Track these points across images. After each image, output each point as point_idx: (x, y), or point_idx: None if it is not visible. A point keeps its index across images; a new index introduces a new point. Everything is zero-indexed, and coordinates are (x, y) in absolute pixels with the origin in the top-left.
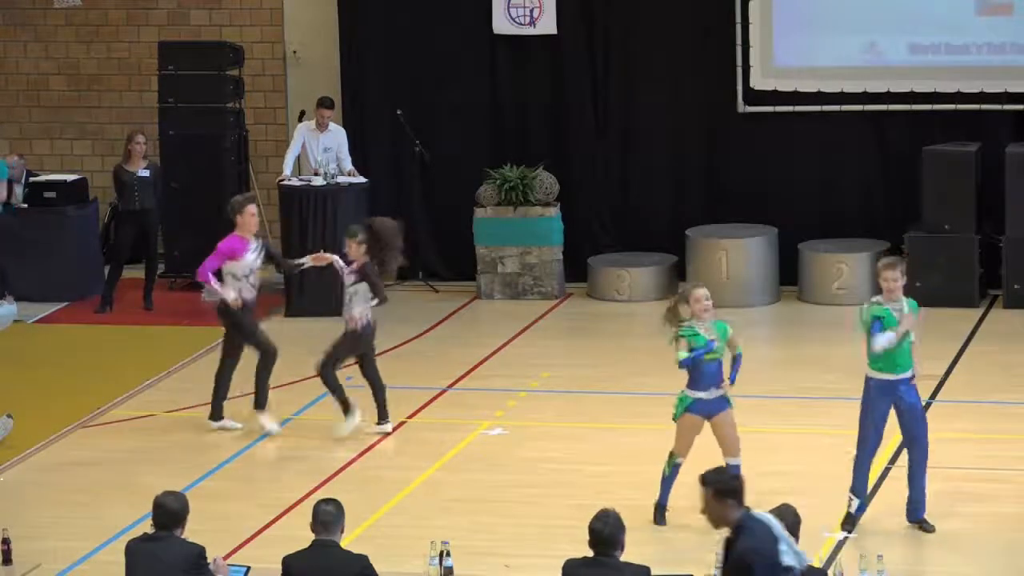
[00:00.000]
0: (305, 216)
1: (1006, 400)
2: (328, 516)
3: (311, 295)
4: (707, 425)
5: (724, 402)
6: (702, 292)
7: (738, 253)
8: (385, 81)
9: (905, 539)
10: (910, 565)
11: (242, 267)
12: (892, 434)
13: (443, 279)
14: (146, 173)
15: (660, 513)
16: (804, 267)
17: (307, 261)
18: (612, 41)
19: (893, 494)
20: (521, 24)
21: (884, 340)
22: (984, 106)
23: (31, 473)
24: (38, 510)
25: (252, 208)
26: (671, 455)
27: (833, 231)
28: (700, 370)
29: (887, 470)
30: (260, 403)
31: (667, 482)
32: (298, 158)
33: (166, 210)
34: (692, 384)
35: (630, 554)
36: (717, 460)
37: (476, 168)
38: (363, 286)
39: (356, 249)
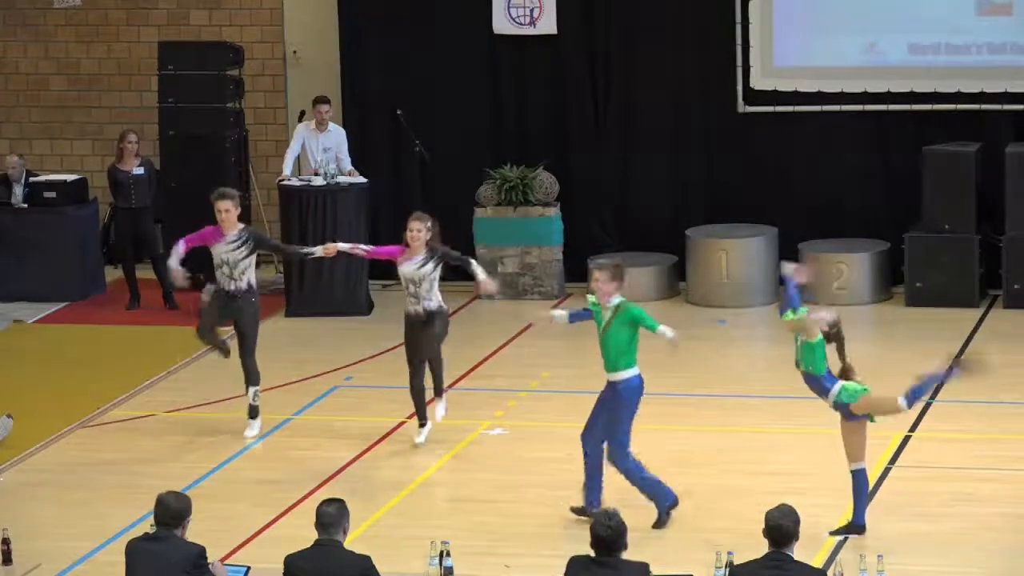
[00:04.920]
0: (305, 216)
1: (1006, 400)
2: (328, 517)
3: (311, 295)
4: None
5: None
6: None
7: (738, 253)
8: (385, 81)
9: (905, 539)
10: (910, 565)
11: (214, 255)
12: (891, 434)
13: (443, 279)
14: (141, 171)
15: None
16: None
17: (317, 251)
18: (612, 41)
19: (893, 494)
20: (521, 24)
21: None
22: (984, 106)
23: (31, 473)
24: (38, 510)
25: (219, 205)
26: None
27: (833, 231)
28: None
29: (887, 470)
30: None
31: (855, 495)
32: (298, 158)
33: (166, 210)
34: None
35: (630, 554)
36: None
37: (476, 168)
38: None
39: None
